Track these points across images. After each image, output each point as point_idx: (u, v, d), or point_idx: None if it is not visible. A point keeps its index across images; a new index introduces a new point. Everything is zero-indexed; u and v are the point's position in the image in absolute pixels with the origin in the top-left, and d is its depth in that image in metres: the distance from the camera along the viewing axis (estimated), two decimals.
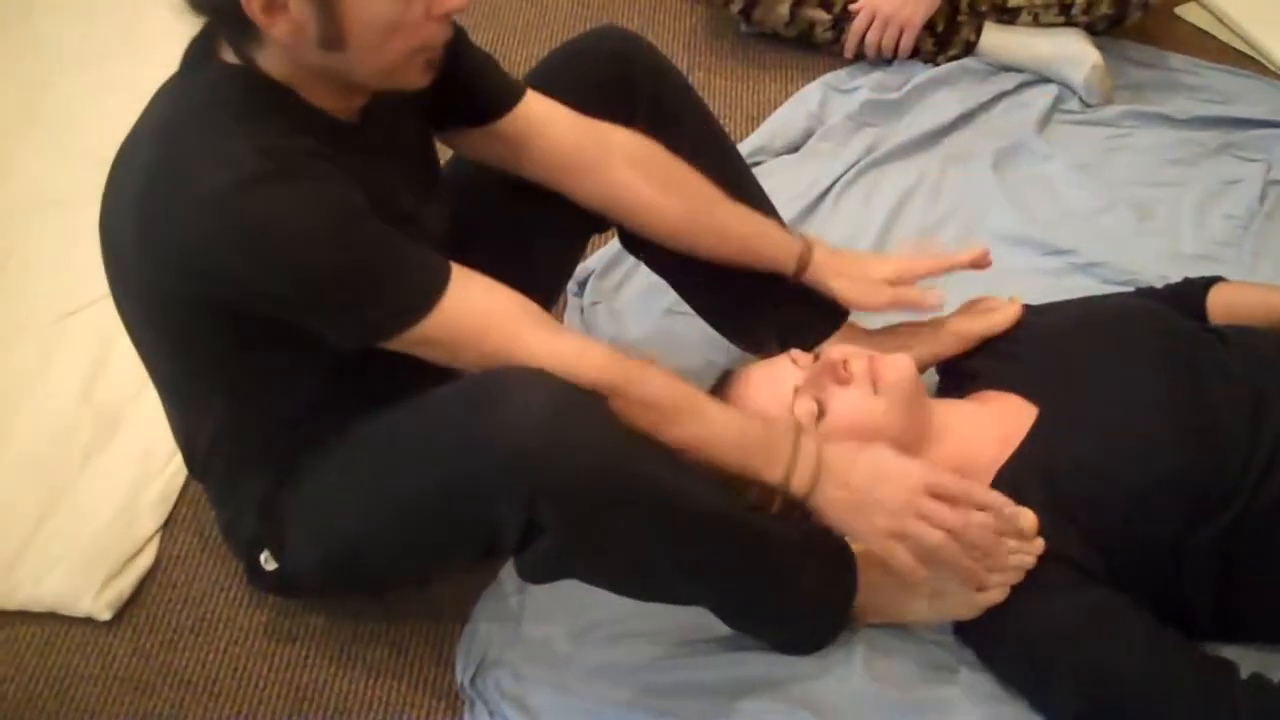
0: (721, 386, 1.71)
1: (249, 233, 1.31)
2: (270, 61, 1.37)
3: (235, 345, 1.46)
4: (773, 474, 1.50)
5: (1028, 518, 1.52)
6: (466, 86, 1.59)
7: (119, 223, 1.43)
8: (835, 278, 1.79)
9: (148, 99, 1.49)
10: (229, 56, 1.38)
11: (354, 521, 1.51)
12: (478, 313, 1.42)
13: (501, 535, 1.40)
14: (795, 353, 1.68)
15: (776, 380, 1.65)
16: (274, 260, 1.33)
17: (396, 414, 1.46)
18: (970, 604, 1.55)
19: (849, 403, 1.61)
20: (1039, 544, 1.52)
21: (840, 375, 1.61)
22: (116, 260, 1.48)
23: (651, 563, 1.45)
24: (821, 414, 1.61)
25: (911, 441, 1.62)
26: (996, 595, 1.52)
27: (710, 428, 1.49)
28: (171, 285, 1.39)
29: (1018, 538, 1.51)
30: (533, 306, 1.47)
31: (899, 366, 1.63)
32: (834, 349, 1.66)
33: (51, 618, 1.80)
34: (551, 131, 1.67)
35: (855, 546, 1.58)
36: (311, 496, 1.54)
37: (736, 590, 1.53)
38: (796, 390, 1.62)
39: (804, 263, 1.78)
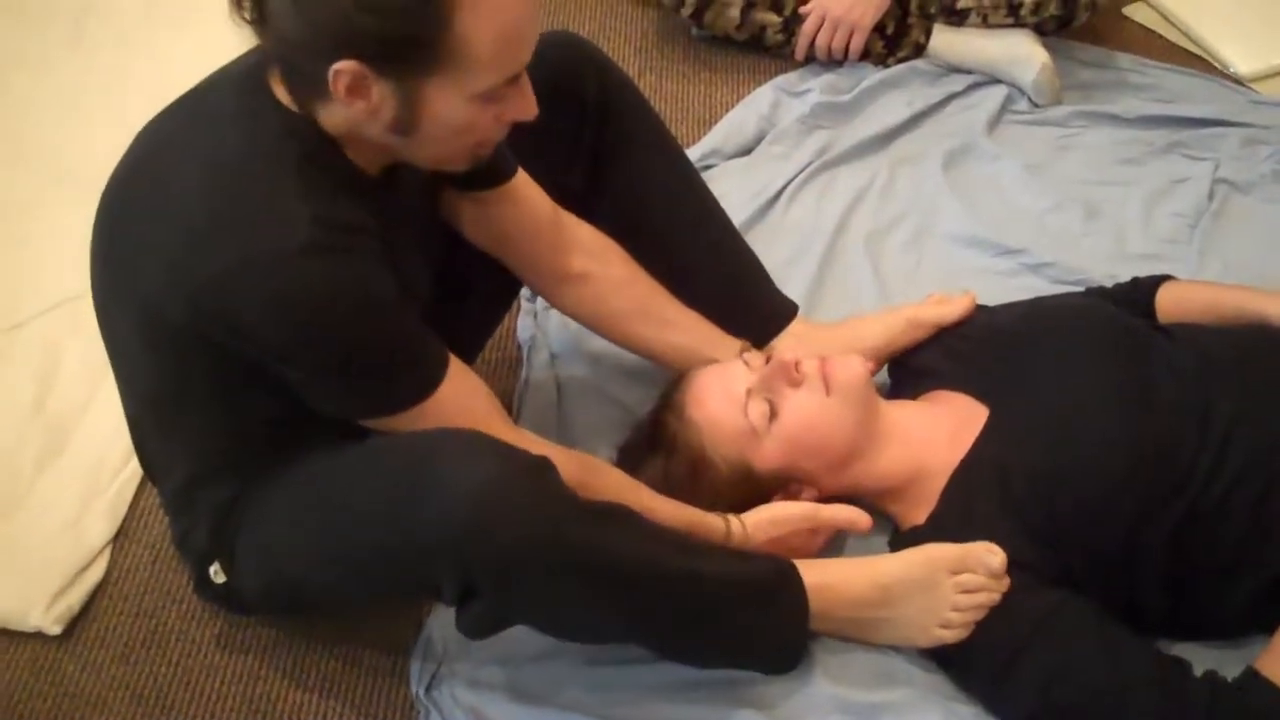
0: (675, 390, 1.71)
1: (281, 300, 1.32)
2: (329, 118, 1.37)
3: (222, 374, 1.45)
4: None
5: (997, 555, 1.52)
6: None
7: (141, 237, 1.40)
8: None
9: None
10: (282, 95, 1.37)
11: (297, 562, 1.52)
12: (458, 414, 1.45)
13: (440, 593, 1.40)
14: (748, 355, 1.69)
15: (729, 382, 1.65)
16: (295, 330, 1.34)
17: (345, 459, 1.46)
18: (932, 638, 1.55)
19: (801, 404, 1.61)
20: (1005, 581, 1.51)
21: (792, 377, 1.62)
22: (119, 271, 1.45)
23: (594, 623, 1.46)
24: (774, 416, 1.61)
25: (863, 443, 1.63)
26: (962, 633, 1.52)
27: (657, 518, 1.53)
28: (184, 318, 1.38)
29: (987, 575, 1.52)
30: (503, 410, 1.53)
31: (851, 368, 1.64)
32: (786, 350, 1.66)
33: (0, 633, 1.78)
34: (529, 212, 1.70)
35: (810, 579, 1.56)
36: (260, 525, 1.54)
37: (687, 642, 1.53)
38: (749, 392, 1.62)
39: None
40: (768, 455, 1.62)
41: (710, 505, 1.61)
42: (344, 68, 1.27)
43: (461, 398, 1.47)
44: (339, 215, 1.35)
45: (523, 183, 1.69)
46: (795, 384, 1.62)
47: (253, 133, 1.37)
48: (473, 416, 1.46)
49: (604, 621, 1.45)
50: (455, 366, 1.47)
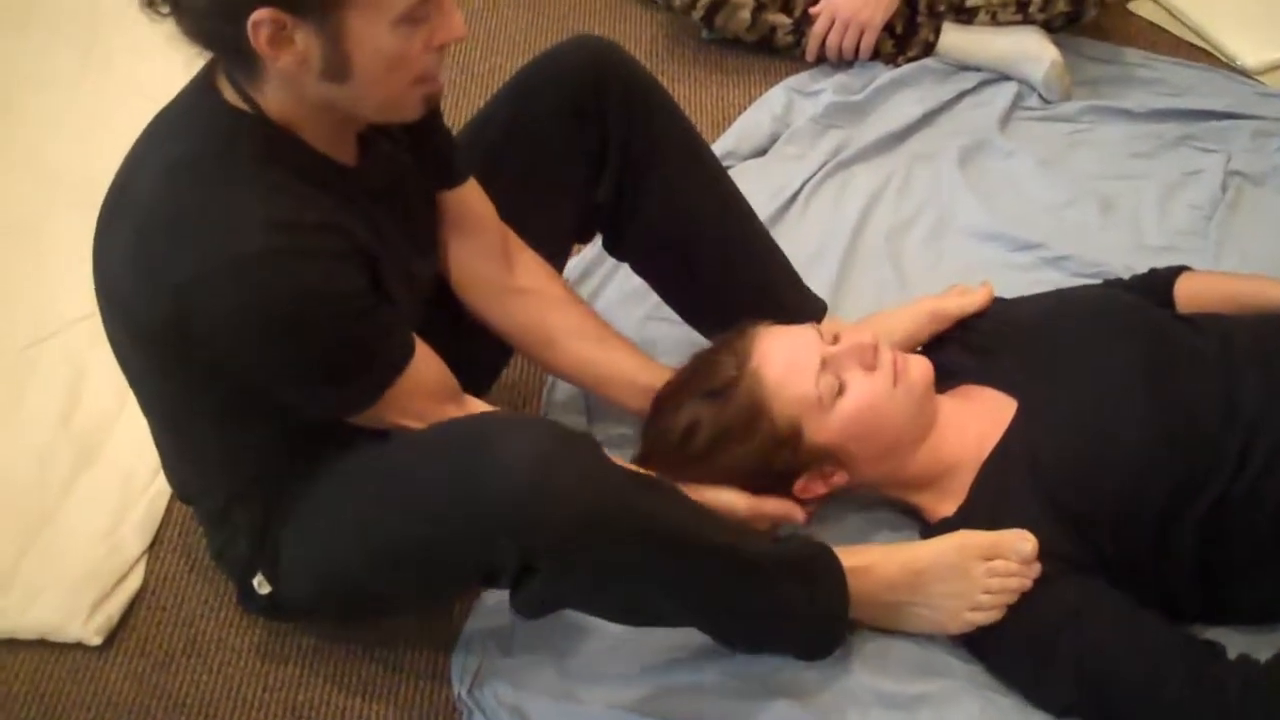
0: (739, 340, 1.68)
1: (237, 308, 1.32)
2: (271, 100, 1.37)
3: (226, 391, 1.46)
4: None
5: (1029, 542, 1.53)
6: (437, 148, 1.61)
7: (113, 254, 1.42)
8: None
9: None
10: (230, 95, 1.37)
11: (348, 557, 1.52)
12: (417, 395, 1.48)
13: (496, 575, 1.42)
14: (817, 325, 1.71)
15: (805, 347, 1.64)
16: (252, 338, 1.35)
17: (388, 453, 1.48)
18: (963, 622, 1.57)
19: (869, 388, 1.62)
20: (1036, 568, 1.53)
21: (868, 360, 1.63)
22: (108, 288, 1.46)
23: (646, 597, 1.47)
24: (841, 392, 1.62)
25: (910, 439, 1.65)
26: (993, 615, 1.54)
27: None
28: (161, 328, 1.38)
29: (1019, 562, 1.53)
30: (458, 387, 1.55)
31: (923, 367, 1.67)
32: (864, 334, 1.67)
33: (41, 645, 1.77)
34: (477, 219, 1.70)
35: (846, 562, 1.58)
36: (305, 530, 1.54)
37: (732, 617, 1.54)
38: (824, 363, 1.62)
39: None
40: (825, 429, 1.62)
41: (734, 467, 1.64)
42: (260, 17, 1.26)
43: (420, 380, 1.48)
44: (297, 213, 1.35)
45: (473, 190, 1.69)
46: (869, 368, 1.63)
47: (203, 135, 1.38)
48: (429, 394, 1.49)
49: (654, 595, 1.46)
50: (419, 351, 1.48)
